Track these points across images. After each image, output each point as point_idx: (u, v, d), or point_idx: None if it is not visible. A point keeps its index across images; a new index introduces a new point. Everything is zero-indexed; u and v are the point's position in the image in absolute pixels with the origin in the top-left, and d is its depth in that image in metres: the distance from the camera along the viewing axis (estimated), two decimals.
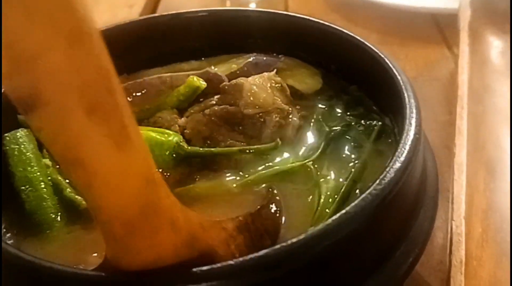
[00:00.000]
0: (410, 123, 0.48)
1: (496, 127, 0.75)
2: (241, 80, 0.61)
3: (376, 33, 1.05)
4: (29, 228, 0.53)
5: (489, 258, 0.56)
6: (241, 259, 0.37)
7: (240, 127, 0.60)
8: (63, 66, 0.26)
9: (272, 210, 0.51)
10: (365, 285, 0.43)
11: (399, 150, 0.45)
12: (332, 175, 0.55)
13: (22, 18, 0.24)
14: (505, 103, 0.80)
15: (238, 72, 0.66)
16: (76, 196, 0.54)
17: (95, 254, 0.48)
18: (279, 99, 0.60)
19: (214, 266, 0.36)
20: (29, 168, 0.56)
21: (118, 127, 0.29)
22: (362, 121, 0.61)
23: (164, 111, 0.63)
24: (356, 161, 0.57)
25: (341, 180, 0.55)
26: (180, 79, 0.65)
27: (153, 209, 0.32)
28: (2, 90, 0.33)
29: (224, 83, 0.62)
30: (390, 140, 0.59)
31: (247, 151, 0.57)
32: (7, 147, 0.58)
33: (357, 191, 0.54)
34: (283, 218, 0.51)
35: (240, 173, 0.56)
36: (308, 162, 0.57)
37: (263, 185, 0.55)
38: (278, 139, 0.58)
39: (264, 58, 0.69)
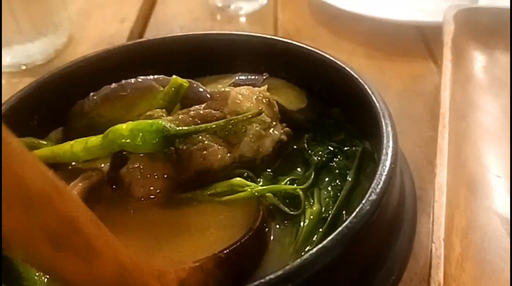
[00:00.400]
0: (387, 153, 0.50)
1: (478, 143, 0.77)
2: (228, 88, 0.63)
3: (363, 46, 1.06)
4: None
5: (468, 279, 0.58)
6: None
7: (221, 133, 0.61)
8: (23, 224, 0.29)
9: (258, 237, 0.52)
10: None
11: (375, 181, 0.47)
12: (317, 202, 0.57)
13: None
14: (488, 119, 0.81)
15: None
16: None
17: None
18: (263, 109, 0.62)
19: None
20: None
21: (85, 250, 0.33)
22: (345, 148, 0.63)
23: (154, 110, 0.64)
24: (340, 188, 0.59)
25: (324, 207, 0.57)
26: (169, 80, 0.67)
27: None
28: None
29: (212, 90, 0.65)
30: (371, 165, 0.60)
31: (232, 120, 0.59)
32: None
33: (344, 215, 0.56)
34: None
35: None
36: (297, 188, 0.58)
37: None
38: (261, 107, 0.60)
39: (247, 77, 0.71)
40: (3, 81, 1.02)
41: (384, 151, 0.50)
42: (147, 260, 0.42)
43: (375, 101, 0.57)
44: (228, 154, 0.60)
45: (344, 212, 0.56)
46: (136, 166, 0.57)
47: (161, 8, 1.30)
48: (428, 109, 0.90)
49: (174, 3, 1.31)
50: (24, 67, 1.06)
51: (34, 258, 0.31)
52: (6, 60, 1.04)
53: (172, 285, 0.40)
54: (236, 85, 0.69)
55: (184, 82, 0.65)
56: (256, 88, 0.65)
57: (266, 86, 0.66)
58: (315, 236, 0.53)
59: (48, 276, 0.52)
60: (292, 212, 0.56)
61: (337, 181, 0.60)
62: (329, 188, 0.59)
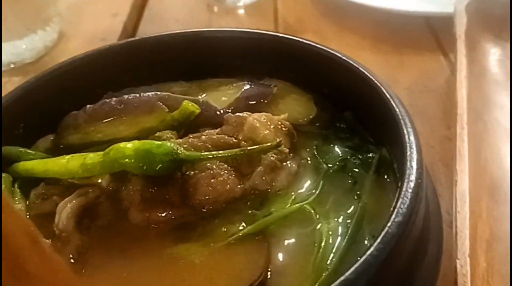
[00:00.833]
0: (411, 166, 0.45)
1: (497, 144, 0.72)
2: (245, 114, 0.59)
3: (369, 39, 1.01)
4: None
5: None
6: None
7: (233, 161, 0.56)
8: None
9: None
10: None
11: (400, 200, 0.42)
12: (333, 217, 0.52)
13: None
14: (505, 117, 0.77)
15: (232, 109, 0.63)
16: None
17: None
18: (281, 139, 0.57)
19: None
20: None
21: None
22: (359, 155, 0.58)
23: (164, 131, 0.60)
24: (356, 199, 0.54)
25: (341, 220, 0.52)
26: (176, 100, 0.63)
27: None
28: None
29: (228, 114, 0.60)
30: (389, 175, 0.56)
31: (248, 150, 0.54)
32: None
33: (365, 228, 0.51)
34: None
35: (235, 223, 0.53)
36: (305, 204, 0.53)
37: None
38: (280, 139, 0.55)
39: (254, 90, 0.66)
40: None
41: (408, 164, 0.45)
42: None
43: (394, 105, 0.52)
44: (239, 186, 0.55)
45: (361, 227, 0.51)
46: (137, 188, 0.52)
47: (155, 0, 1.24)
48: (441, 106, 0.85)
49: None
50: (13, 66, 1.01)
51: None
52: None
53: None
54: (243, 99, 0.65)
55: (196, 108, 0.61)
56: (276, 117, 0.60)
57: (286, 115, 0.61)
58: (333, 257, 0.48)
59: None
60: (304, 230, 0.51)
61: (353, 191, 0.55)
62: (344, 200, 0.54)
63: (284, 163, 0.57)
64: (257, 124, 0.57)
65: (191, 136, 0.59)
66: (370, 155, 0.58)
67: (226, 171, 0.55)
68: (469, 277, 0.52)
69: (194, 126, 0.62)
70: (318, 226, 0.51)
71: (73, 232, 0.52)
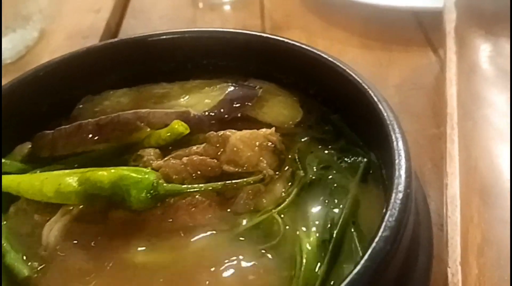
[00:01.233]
0: (400, 175, 0.43)
1: (488, 144, 0.70)
2: (228, 132, 0.56)
3: (357, 35, 1.00)
4: None
5: None
6: None
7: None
8: None
9: None
10: None
11: (388, 212, 0.41)
12: (313, 228, 0.50)
13: None
14: (496, 115, 0.75)
15: (216, 112, 0.62)
16: (15, 264, 0.50)
17: None
18: (265, 162, 0.55)
19: None
20: None
21: None
22: (346, 158, 0.57)
23: (146, 150, 0.58)
24: (337, 205, 0.52)
25: (320, 230, 0.50)
26: (158, 117, 0.60)
27: None
28: None
29: (211, 132, 0.57)
30: (377, 181, 0.54)
31: (230, 184, 0.52)
32: None
33: (352, 237, 0.49)
34: None
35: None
36: (273, 213, 0.52)
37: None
38: (268, 170, 0.54)
39: (239, 92, 0.64)
40: None
41: (396, 173, 0.44)
42: None
43: (382, 109, 0.50)
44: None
45: (346, 236, 0.49)
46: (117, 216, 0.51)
47: None
48: (431, 103, 0.84)
49: None
50: None
51: None
52: None
53: None
54: (227, 101, 0.63)
55: (185, 129, 0.59)
56: (262, 131, 0.57)
57: (273, 129, 0.58)
58: (318, 266, 0.47)
59: None
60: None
61: (334, 198, 0.53)
62: (325, 207, 0.53)
63: (269, 186, 0.55)
64: (241, 146, 0.55)
65: (172, 156, 0.57)
66: (358, 159, 0.56)
67: (208, 199, 0.53)
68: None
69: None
70: (298, 238, 0.49)
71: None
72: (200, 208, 0.52)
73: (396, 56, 0.93)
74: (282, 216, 0.52)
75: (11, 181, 0.56)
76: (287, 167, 0.57)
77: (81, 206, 0.52)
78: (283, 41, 0.63)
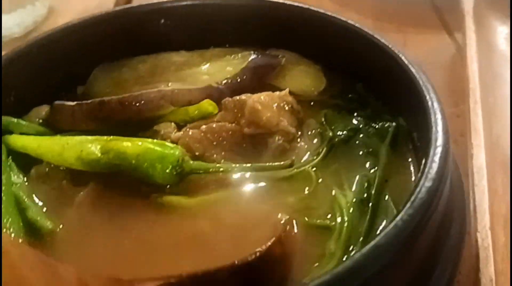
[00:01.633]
0: (438, 131, 0.43)
1: (508, 119, 0.70)
2: (244, 97, 0.55)
3: (371, 18, 0.98)
4: None
5: None
6: None
7: (238, 148, 0.54)
8: None
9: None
10: None
11: (428, 165, 0.40)
12: (348, 186, 0.50)
13: None
14: None
15: (238, 79, 0.61)
16: (38, 218, 0.48)
17: None
18: (285, 121, 0.54)
19: None
20: None
21: None
22: (374, 124, 0.56)
23: (160, 124, 0.57)
24: (369, 167, 0.51)
25: (356, 189, 0.49)
26: (182, 95, 0.59)
27: None
28: None
29: (226, 98, 0.56)
30: (407, 144, 0.53)
31: (257, 167, 0.51)
32: None
33: (386, 197, 0.48)
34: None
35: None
36: (308, 167, 0.52)
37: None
38: (293, 158, 0.52)
39: (262, 60, 0.63)
40: None
41: (434, 129, 0.43)
42: None
43: (415, 72, 0.49)
44: None
45: (382, 195, 0.48)
46: None
47: None
48: (447, 84, 0.83)
49: None
50: None
51: None
52: None
53: None
54: (250, 69, 0.62)
55: (214, 109, 0.57)
56: (277, 93, 0.57)
57: (287, 90, 0.58)
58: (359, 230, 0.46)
59: None
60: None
61: (366, 160, 0.53)
62: (357, 167, 0.52)
63: (293, 143, 0.55)
64: (259, 107, 0.54)
65: (190, 126, 0.56)
66: (387, 124, 0.55)
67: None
68: (491, 250, 0.50)
69: None
70: (335, 197, 0.48)
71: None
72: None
73: (411, 39, 0.92)
74: (314, 169, 0.51)
75: (30, 142, 0.55)
76: (313, 129, 0.56)
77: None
78: (305, 8, 0.62)
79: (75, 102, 0.59)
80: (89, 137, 0.53)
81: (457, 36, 0.89)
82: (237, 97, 0.56)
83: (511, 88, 0.71)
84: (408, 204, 0.37)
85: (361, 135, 0.55)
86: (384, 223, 0.45)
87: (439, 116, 0.44)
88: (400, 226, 0.36)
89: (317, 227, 0.46)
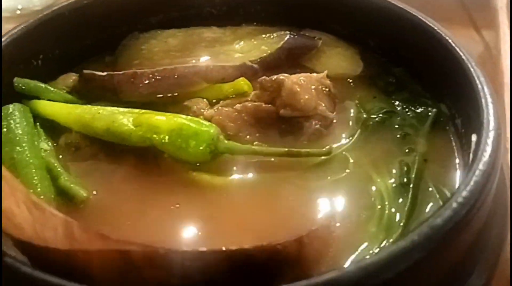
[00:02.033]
0: (489, 114, 0.41)
1: None
2: (282, 77, 0.53)
3: None
4: None
5: None
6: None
7: (272, 130, 0.52)
8: None
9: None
10: None
11: (481, 148, 0.38)
12: (386, 170, 0.48)
13: None
14: None
15: (273, 59, 0.59)
16: (71, 185, 0.47)
17: None
18: (324, 105, 0.52)
19: None
20: (17, 148, 0.49)
21: None
22: (411, 107, 0.54)
23: (192, 100, 0.55)
24: (412, 152, 0.50)
25: (397, 173, 0.48)
26: (216, 72, 0.57)
27: None
28: None
29: (263, 77, 0.54)
30: (450, 129, 0.52)
31: (295, 153, 0.49)
32: None
33: (427, 182, 0.47)
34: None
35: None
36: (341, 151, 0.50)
37: None
38: (327, 113, 0.51)
39: (299, 41, 0.61)
40: None
41: (485, 114, 0.42)
42: None
43: (463, 56, 0.48)
44: None
45: (422, 180, 0.47)
46: None
47: None
48: None
49: None
50: (19, 12, 0.94)
51: None
52: None
53: None
54: (286, 50, 0.60)
55: (249, 88, 0.56)
56: (315, 75, 0.55)
57: (325, 72, 0.56)
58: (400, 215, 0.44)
59: None
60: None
61: (404, 144, 0.51)
62: (395, 151, 0.51)
63: (330, 128, 0.53)
64: (297, 89, 0.52)
65: (223, 104, 0.54)
66: (428, 109, 0.54)
67: None
68: None
69: None
70: (373, 180, 0.47)
71: None
72: None
73: None
74: (349, 153, 0.50)
75: (60, 109, 0.54)
76: (348, 112, 0.55)
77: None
78: None
79: (105, 73, 0.57)
80: (121, 109, 0.52)
81: (485, 34, 0.87)
82: (274, 77, 0.54)
83: None
84: (463, 187, 0.35)
85: (398, 118, 0.53)
86: (429, 206, 0.44)
87: (489, 99, 0.43)
88: (455, 208, 0.34)
89: (356, 211, 0.45)
